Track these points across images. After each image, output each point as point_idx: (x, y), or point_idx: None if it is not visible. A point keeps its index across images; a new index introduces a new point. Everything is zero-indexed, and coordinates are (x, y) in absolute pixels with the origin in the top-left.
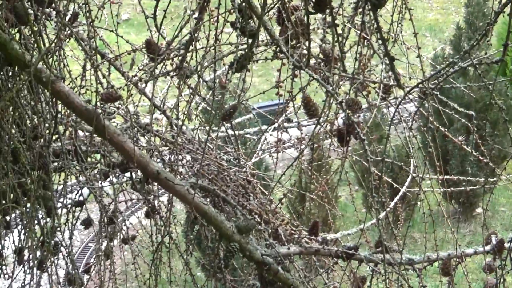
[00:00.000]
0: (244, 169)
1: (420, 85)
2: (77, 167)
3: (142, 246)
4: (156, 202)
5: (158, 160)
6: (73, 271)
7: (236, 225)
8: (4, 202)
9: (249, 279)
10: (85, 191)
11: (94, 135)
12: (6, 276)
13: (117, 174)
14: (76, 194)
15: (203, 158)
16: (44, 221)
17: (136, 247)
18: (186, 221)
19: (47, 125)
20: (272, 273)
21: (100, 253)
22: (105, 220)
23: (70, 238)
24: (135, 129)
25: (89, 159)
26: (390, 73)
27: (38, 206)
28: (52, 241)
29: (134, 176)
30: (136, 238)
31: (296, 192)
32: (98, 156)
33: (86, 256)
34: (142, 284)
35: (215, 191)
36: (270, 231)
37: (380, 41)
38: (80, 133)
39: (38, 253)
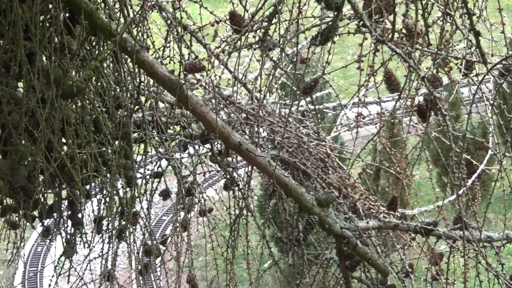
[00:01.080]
0: (324, 143)
1: (504, 62)
2: (157, 138)
3: (219, 219)
4: (234, 174)
5: (239, 132)
6: (151, 242)
7: (316, 198)
8: (84, 171)
9: (325, 253)
10: (164, 162)
11: (175, 107)
12: (86, 245)
13: (196, 146)
14: (155, 165)
15: (284, 131)
16: (124, 191)
17: (213, 219)
18: (264, 194)
19: (129, 95)
20: (350, 246)
21: (177, 225)
22: (183, 192)
23: (148, 209)
24: (218, 100)
25: (168, 131)
26: (473, 49)
27: (118, 176)
28: (132, 211)
29: (214, 147)
30: (212, 210)
31: (371, 169)
32: (177, 127)
33: (160, 229)
34: (220, 256)
35: (296, 164)
36: (348, 205)
37: (464, 17)
38: (161, 104)
39: (117, 223)
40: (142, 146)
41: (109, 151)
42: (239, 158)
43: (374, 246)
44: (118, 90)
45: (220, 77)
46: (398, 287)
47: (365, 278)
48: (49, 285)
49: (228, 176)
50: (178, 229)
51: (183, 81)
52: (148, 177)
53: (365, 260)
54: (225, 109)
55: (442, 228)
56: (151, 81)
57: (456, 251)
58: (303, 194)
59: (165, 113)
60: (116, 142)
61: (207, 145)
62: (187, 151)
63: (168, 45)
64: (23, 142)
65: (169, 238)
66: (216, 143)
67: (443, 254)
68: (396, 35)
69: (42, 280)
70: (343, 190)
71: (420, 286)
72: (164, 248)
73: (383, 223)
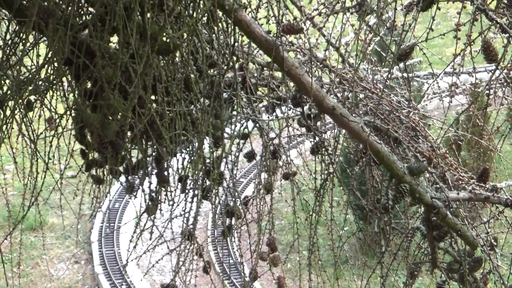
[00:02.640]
0: (417, 111)
1: None
2: (245, 99)
3: (302, 183)
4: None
5: (332, 96)
6: (233, 203)
7: (408, 167)
8: (173, 129)
9: (411, 222)
10: (250, 124)
11: (265, 68)
12: (171, 202)
13: (283, 109)
14: (241, 127)
15: (380, 98)
16: (211, 150)
17: (296, 183)
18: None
19: (222, 54)
20: (440, 217)
21: (260, 187)
22: (268, 154)
23: (233, 170)
24: (312, 63)
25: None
26: None
27: (206, 135)
28: (217, 171)
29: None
30: (296, 174)
31: (458, 140)
32: (266, 89)
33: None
34: (303, 220)
35: (388, 131)
36: (438, 175)
37: None
38: (250, 65)
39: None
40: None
41: (199, 110)
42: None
43: (462, 217)
44: (211, 49)
45: (317, 39)
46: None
47: (451, 249)
48: (130, 241)
49: (317, 140)
50: (261, 191)
51: (279, 42)
52: (234, 137)
53: (454, 231)
54: (321, 72)
55: None
56: (244, 41)
57: None
58: (395, 161)
59: (255, 74)
60: (206, 101)
61: (298, 108)
62: (274, 113)
63: (263, 5)
64: (115, 97)
65: (251, 200)
66: (307, 106)
67: None
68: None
69: (119, 237)
70: (433, 160)
71: (506, 261)
72: (246, 209)
73: (473, 194)
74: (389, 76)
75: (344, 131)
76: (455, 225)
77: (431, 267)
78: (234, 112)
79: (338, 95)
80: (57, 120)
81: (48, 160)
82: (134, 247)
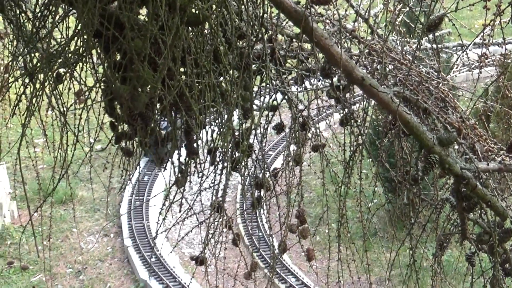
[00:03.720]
0: (446, 82)
1: None
2: (274, 71)
3: (331, 155)
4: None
5: (361, 67)
6: (263, 175)
7: (438, 137)
8: (202, 101)
9: (440, 194)
10: (279, 96)
11: (294, 40)
12: (200, 174)
13: (312, 80)
14: (270, 98)
15: (409, 69)
16: (240, 122)
17: (325, 155)
18: (376, 132)
19: (251, 26)
20: (470, 187)
21: (289, 159)
22: (297, 126)
23: (262, 141)
24: (342, 34)
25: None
26: None
27: (235, 107)
28: (247, 143)
29: (333, 82)
30: (325, 146)
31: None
32: (295, 61)
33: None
34: (332, 192)
35: (417, 102)
36: (467, 146)
37: None
38: (279, 37)
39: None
40: (258, 78)
41: (228, 81)
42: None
43: (492, 188)
44: (240, 20)
45: (346, 10)
46: None
47: (481, 221)
48: (159, 213)
49: (346, 112)
50: (290, 163)
51: (308, 13)
52: (263, 109)
53: (484, 202)
54: (350, 43)
55: None
56: (273, 12)
57: None
58: (424, 132)
59: (284, 46)
60: (235, 73)
61: (327, 79)
62: (303, 85)
63: None
64: (144, 69)
65: (280, 172)
66: (336, 77)
67: None
68: None
69: (148, 210)
70: (463, 131)
71: None
72: (275, 181)
73: (503, 165)
74: (418, 47)
75: (373, 102)
76: (485, 196)
77: (460, 239)
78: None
79: (367, 66)
80: (87, 93)
81: (77, 133)
82: (164, 219)
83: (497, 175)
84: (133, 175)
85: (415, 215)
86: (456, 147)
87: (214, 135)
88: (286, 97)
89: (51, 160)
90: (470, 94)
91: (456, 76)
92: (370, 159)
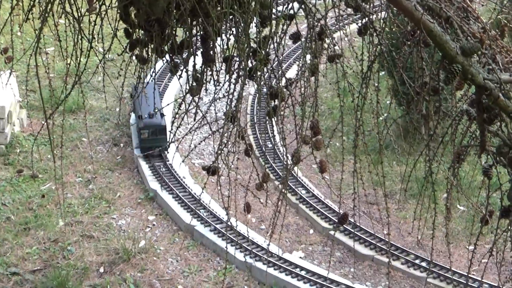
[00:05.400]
0: None
1: None
2: None
3: (347, 66)
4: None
5: None
6: (278, 85)
7: (461, 47)
8: (218, 9)
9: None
10: (296, 4)
11: None
12: (216, 82)
13: None
14: (287, 7)
15: None
16: (258, 30)
17: (341, 66)
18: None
19: None
20: (492, 98)
21: (304, 69)
22: (313, 36)
23: (278, 50)
24: None
25: None
26: None
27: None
28: (264, 51)
29: None
30: (342, 57)
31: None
32: None
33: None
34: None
35: (440, 11)
36: (489, 57)
37: None
38: None
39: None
40: None
41: None
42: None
43: None
44: None
45: None
46: None
47: (501, 133)
48: (172, 122)
49: (365, 21)
50: (305, 73)
51: None
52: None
53: (505, 114)
54: None
55: None
56: None
57: None
58: (447, 41)
59: None
60: None
61: None
62: None
63: None
64: None
65: (295, 83)
66: None
67: None
68: None
69: None
70: (485, 41)
71: None
72: (289, 92)
73: None
74: None
75: (390, 13)
76: (507, 107)
77: (479, 151)
78: None
79: None
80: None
81: (92, 39)
82: (178, 127)
83: None
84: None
85: (434, 126)
86: (478, 58)
87: (231, 43)
88: (303, 5)
89: (61, 69)
90: (493, 3)
91: None
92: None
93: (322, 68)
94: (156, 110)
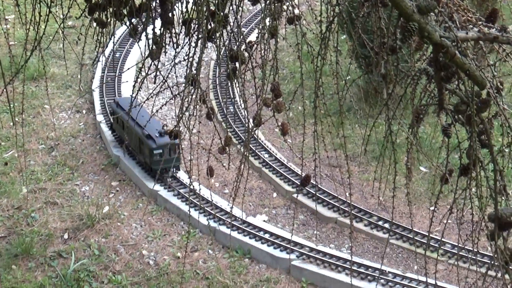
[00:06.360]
0: None
1: None
2: None
3: (306, 28)
4: None
5: None
6: (237, 47)
7: (417, 5)
8: None
9: (417, 65)
10: None
11: None
12: (175, 45)
13: None
14: None
15: None
16: None
17: (301, 27)
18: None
19: None
20: (449, 56)
21: (264, 31)
22: None
23: (237, 12)
24: None
25: None
26: None
27: None
28: (222, 13)
29: None
30: (301, 18)
31: None
32: None
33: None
34: (308, 68)
35: None
36: (447, 15)
37: None
38: None
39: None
40: None
41: None
42: None
43: (471, 58)
44: None
45: None
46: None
47: (459, 91)
48: (133, 86)
49: None
50: (265, 36)
51: None
52: None
53: (462, 71)
54: None
55: None
56: None
57: None
58: (403, 0)
59: None
60: None
61: None
62: None
63: None
64: None
65: (255, 45)
66: None
67: None
68: None
69: (120, 85)
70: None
71: (510, 103)
72: (248, 55)
73: (482, 34)
74: None
75: None
76: (464, 65)
77: (437, 109)
78: None
79: None
80: None
81: (50, 4)
82: (138, 90)
83: (474, 49)
84: (106, 48)
85: (393, 85)
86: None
87: (190, 5)
88: None
89: (22, 37)
90: None
91: None
92: (345, 36)
93: (285, 31)
94: (166, 128)
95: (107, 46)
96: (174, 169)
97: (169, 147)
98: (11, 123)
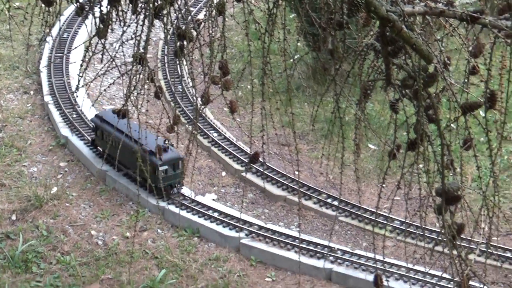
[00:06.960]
0: None
1: None
2: None
3: (254, 5)
4: None
5: None
6: (185, 25)
7: None
8: None
9: (365, 41)
10: None
11: None
12: (122, 23)
13: None
14: None
15: None
16: None
17: (248, 4)
18: None
19: None
20: (395, 30)
21: (212, 9)
22: None
23: None
24: None
25: None
26: None
27: None
28: None
29: None
30: None
31: None
32: None
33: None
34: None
35: None
36: None
37: None
38: None
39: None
40: None
41: None
42: None
43: (418, 33)
44: None
45: None
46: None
47: (406, 66)
48: (81, 65)
49: None
50: (213, 13)
51: None
52: None
53: (409, 45)
54: None
55: (488, 17)
56: None
57: (500, 42)
58: None
59: None
60: None
61: None
62: None
63: None
64: None
65: (203, 23)
66: None
67: (485, 44)
68: None
69: (68, 66)
70: None
71: (458, 79)
72: (196, 33)
73: (429, 8)
74: None
75: None
76: (410, 39)
77: (385, 84)
78: None
79: None
80: None
81: None
82: (85, 69)
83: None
84: (53, 27)
85: (340, 61)
86: None
87: None
88: None
89: None
90: None
91: None
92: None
93: (232, 11)
94: (167, 142)
95: (53, 26)
96: (178, 184)
97: (175, 161)
98: None
